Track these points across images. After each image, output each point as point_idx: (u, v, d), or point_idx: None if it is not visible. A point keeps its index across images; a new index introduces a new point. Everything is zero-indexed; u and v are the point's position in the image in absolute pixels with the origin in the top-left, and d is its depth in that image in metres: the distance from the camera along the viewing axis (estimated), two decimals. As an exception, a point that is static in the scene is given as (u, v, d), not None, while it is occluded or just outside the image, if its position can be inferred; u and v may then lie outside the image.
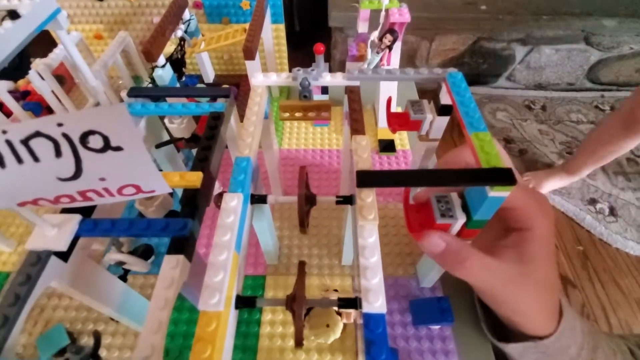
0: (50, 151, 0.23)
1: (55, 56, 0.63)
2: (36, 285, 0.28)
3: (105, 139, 0.24)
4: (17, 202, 0.26)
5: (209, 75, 0.76)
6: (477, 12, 1.80)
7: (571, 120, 1.86)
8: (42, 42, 0.60)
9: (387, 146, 0.66)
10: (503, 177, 0.28)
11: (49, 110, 0.76)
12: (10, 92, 0.67)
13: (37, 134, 0.23)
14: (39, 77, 0.60)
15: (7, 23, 0.44)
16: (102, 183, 0.26)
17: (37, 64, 0.60)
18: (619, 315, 1.26)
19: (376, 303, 0.24)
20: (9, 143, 0.23)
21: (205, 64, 0.73)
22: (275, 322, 0.47)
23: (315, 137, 0.70)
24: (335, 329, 0.34)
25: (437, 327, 0.46)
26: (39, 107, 0.73)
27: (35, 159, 0.23)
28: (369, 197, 0.29)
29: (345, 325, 0.40)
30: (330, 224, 0.57)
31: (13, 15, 0.45)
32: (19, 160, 0.23)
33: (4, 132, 0.22)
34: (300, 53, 0.82)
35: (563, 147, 1.73)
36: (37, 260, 0.28)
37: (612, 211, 1.48)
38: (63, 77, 0.77)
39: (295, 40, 0.74)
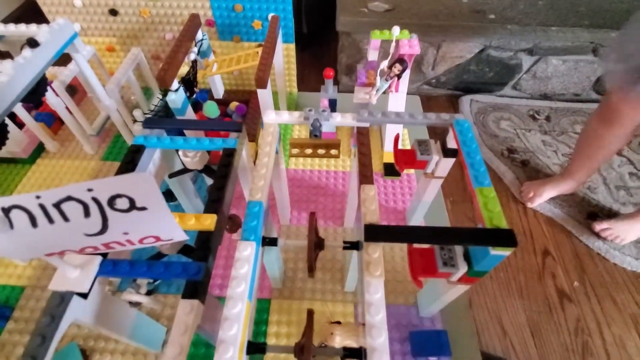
0: (79, 212, 0.25)
1: (69, 72, 0.64)
2: (60, 324, 0.30)
3: (132, 201, 0.25)
4: (45, 254, 0.28)
5: (219, 91, 0.77)
6: (485, 21, 1.79)
7: (575, 132, 1.86)
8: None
9: (392, 170, 0.68)
10: (505, 239, 0.29)
11: (61, 121, 0.77)
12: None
13: (69, 198, 0.24)
14: (53, 94, 0.61)
15: (27, 52, 0.45)
16: (125, 236, 0.28)
17: (54, 81, 0.61)
18: (613, 331, 1.28)
19: (381, 362, 0.26)
20: (42, 206, 0.24)
21: (215, 81, 0.74)
22: (280, 335, 0.49)
23: (321, 159, 0.71)
24: None
25: (434, 359, 0.47)
26: (52, 118, 0.75)
27: (65, 219, 0.25)
28: (375, 252, 0.30)
29: None
30: (335, 251, 0.58)
31: (32, 43, 0.46)
32: (50, 220, 0.25)
33: (38, 197, 0.24)
34: (307, 54, 0.82)
35: (565, 159, 1.74)
36: (61, 302, 0.30)
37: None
38: (75, 88, 0.79)
39: (303, 41, 0.74)
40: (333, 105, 0.72)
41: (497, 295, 1.34)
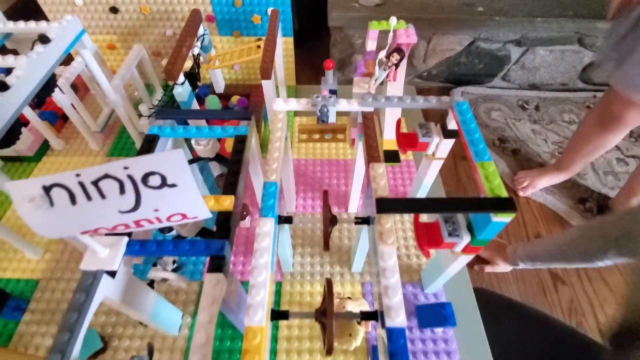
0: (115, 189, 0.27)
1: (73, 69, 0.65)
2: (93, 300, 0.32)
3: (163, 178, 0.27)
4: (80, 232, 0.29)
5: (220, 85, 0.79)
6: (474, 13, 1.82)
7: (564, 120, 1.92)
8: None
9: (391, 157, 0.70)
10: (505, 205, 0.32)
11: (64, 119, 0.78)
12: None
13: (106, 176, 0.26)
14: (59, 92, 0.62)
15: (39, 47, 0.47)
16: (155, 213, 0.29)
17: (60, 78, 0.62)
18: (606, 311, 1.33)
19: (397, 318, 0.28)
20: (81, 184, 0.26)
21: (217, 75, 0.75)
22: (291, 338, 0.50)
23: (323, 148, 0.74)
24: (357, 338, 0.38)
25: (440, 329, 0.50)
26: (55, 117, 0.76)
27: (102, 196, 0.27)
28: (387, 222, 0.33)
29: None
30: (341, 235, 0.60)
31: (43, 39, 0.47)
32: (88, 197, 0.27)
33: (78, 175, 0.26)
34: (299, 51, 0.83)
35: (555, 147, 1.79)
36: (93, 280, 0.32)
37: (601, 210, 1.54)
38: (76, 86, 0.79)
39: (295, 38, 0.76)
40: (334, 90, 0.75)
41: (493, 282, 1.38)
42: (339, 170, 0.70)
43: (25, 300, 0.54)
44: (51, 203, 0.26)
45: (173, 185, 0.28)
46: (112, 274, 0.34)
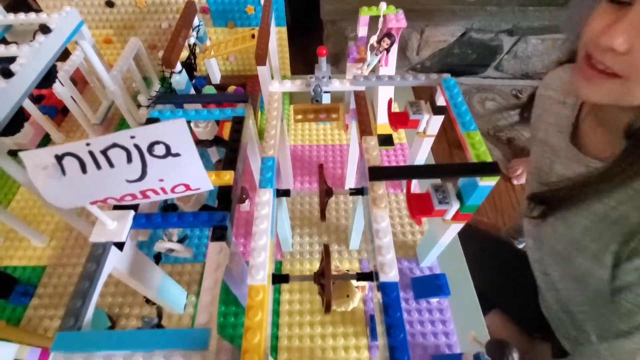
0: (123, 158, 0.29)
1: (72, 63, 0.67)
2: (103, 270, 0.33)
3: (167, 147, 0.29)
4: (90, 201, 0.31)
5: (216, 76, 0.80)
6: (466, 3, 1.84)
7: (556, 108, 1.95)
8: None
9: (385, 140, 0.72)
10: (490, 169, 0.34)
11: (64, 113, 0.80)
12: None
13: (114, 145, 0.28)
14: (59, 84, 0.63)
15: (41, 37, 0.48)
16: (160, 183, 0.31)
17: (59, 71, 0.63)
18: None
19: (390, 273, 0.30)
20: (91, 153, 0.28)
21: (212, 66, 0.77)
22: (293, 301, 0.53)
23: (318, 134, 0.76)
24: (354, 299, 0.40)
25: (435, 300, 0.52)
26: (55, 111, 0.77)
27: (111, 165, 0.29)
28: (380, 189, 0.35)
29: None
30: (339, 215, 0.62)
31: (44, 29, 0.49)
32: (98, 166, 0.28)
33: (88, 144, 0.27)
34: (292, 46, 0.85)
35: (548, 134, 1.82)
36: (102, 250, 0.34)
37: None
38: (74, 80, 0.81)
39: (288, 34, 0.77)
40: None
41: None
42: (334, 155, 0.72)
43: (33, 286, 0.56)
44: (63, 172, 0.28)
45: (177, 155, 0.29)
46: (120, 246, 0.36)
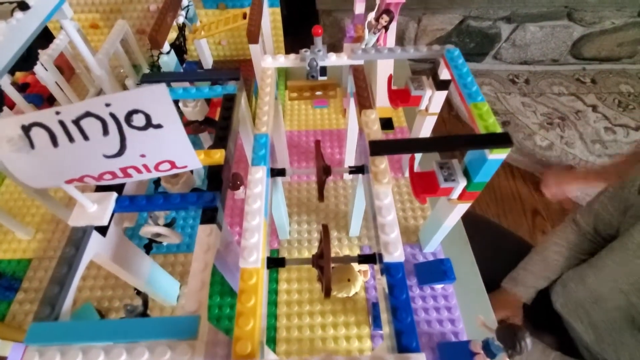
0: (98, 130, 0.26)
1: (56, 47, 0.64)
2: (83, 256, 0.31)
3: (148, 117, 0.26)
4: (65, 180, 0.28)
5: (208, 62, 0.77)
6: (463, -10, 1.81)
7: (553, 92, 1.93)
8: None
9: (385, 124, 0.69)
10: (501, 140, 0.31)
11: (50, 102, 0.77)
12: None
13: (88, 114, 0.25)
14: (43, 69, 0.60)
15: (19, 14, 0.45)
16: (142, 160, 0.28)
17: (42, 55, 0.60)
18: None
19: (395, 253, 0.28)
20: (61, 123, 0.25)
21: (204, 51, 0.74)
22: (291, 291, 0.50)
23: (315, 118, 0.73)
24: (355, 283, 0.38)
25: (440, 286, 0.50)
26: (40, 99, 0.74)
27: (85, 137, 0.26)
28: (382, 163, 0.32)
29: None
30: (338, 201, 0.60)
31: (22, 6, 0.46)
32: (71, 139, 0.26)
33: (57, 112, 0.25)
34: (288, 39, 0.83)
35: (544, 118, 1.80)
36: (82, 235, 0.31)
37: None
38: (61, 68, 0.78)
39: (283, 24, 0.75)
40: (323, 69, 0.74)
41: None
42: (332, 140, 0.69)
43: (18, 280, 0.53)
44: (32, 145, 0.25)
45: (158, 126, 0.27)
46: (103, 230, 0.33)
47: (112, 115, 0.25)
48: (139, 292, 0.48)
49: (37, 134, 0.25)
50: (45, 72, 0.61)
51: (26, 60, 0.50)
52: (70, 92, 0.67)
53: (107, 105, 0.25)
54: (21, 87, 0.75)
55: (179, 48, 0.63)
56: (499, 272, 0.73)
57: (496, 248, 0.79)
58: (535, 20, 1.90)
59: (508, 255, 0.77)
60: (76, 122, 0.25)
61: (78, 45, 0.56)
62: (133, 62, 0.79)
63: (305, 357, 0.23)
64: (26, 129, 0.25)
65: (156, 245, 0.51)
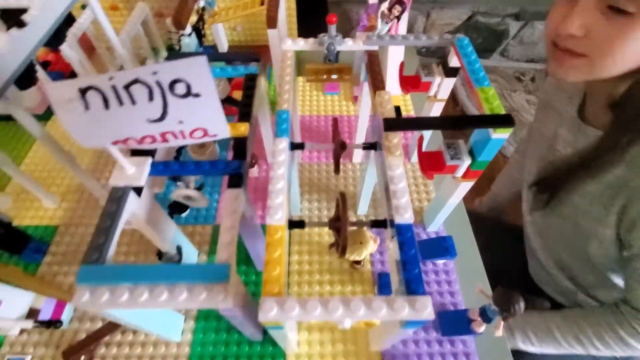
0: (145, 95, 0.29)
1: (80, 26, 0.66)
2: (123, 213, 0.34)
3: (188, 86, 0.29)
4: (112, 141, 0.31)
5: (224, 46, 0.80)
6: (473, -14, 1.82)
7: (560, 91, 1.95)
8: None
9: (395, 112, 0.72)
10: (504, 121, 0.35)
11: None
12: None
13: (136, 81, 0.28)
14: (68, 48, 0.63)
15: (53, -9, 0.48)
16: (179, 126, 0.32)
17: (68, 33, 0.63)
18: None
19: (406, 214, 0.31)
20: (114, 88, 0.28)
21: (220, 36, 0.76)
22: (302, 262, 0.54)
23: (326, 105, 0.76)
24: (367, 246, 0.41)
25: (441, 261, 0.53)
26: (62, 76, 0.77)
27: (133, 102, 0.29)
28: (395, 138, 0.35)
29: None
30: (347, 182, 0.63)
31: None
32: (120, 102, 0.29)
33: (111, 78, 0.28)
34: (298, 29, 0.85)
35: (549, 118, 1.82)
36: (122, 194, 0.34)
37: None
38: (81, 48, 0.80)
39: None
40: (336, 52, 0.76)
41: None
42: (342, 125, 0.72)
43: (46, 243, 0.57)
44: (86, 106, 0.28)
45: (197, 95, 0.30)
46: (139, 191, 0.36)
47: (158, 83, 0.28)
48: (160, 257, 0.52)
49: (92, 96, 0.28)
50: (70, 50, 0.64)
51: (56, 35, 0.53)
52: (92, 70, 0.70)
53: (154, 73, 0.28)
54: (43, 65, 0.78)
55: (199, 31, 0.65)
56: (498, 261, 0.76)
57: (496, 240, 0.81)
58: (543, 18, 1.91)
59: (508, 244, 0.79)
60: (126, 87, 0.28)
61: (103, 24, 0.59)
62: (152, 46, 0.82)
63: (322, 298, 0.26)
64: (82, 91, 0.28)
65: (176, 217, 0.55)
